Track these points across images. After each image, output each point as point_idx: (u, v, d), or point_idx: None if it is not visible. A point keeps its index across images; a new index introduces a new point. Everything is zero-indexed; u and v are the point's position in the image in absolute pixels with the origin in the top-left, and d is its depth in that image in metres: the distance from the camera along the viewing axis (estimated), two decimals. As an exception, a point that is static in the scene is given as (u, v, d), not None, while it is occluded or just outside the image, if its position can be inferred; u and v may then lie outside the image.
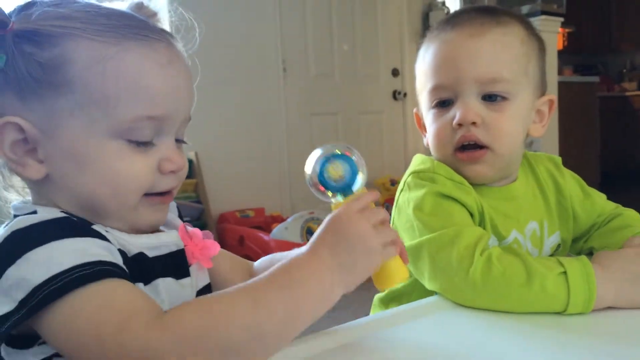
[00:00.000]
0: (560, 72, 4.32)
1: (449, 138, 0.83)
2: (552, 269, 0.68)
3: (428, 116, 0.87)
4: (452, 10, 4.48)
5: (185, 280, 0.63)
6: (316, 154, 0.60)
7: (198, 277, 0.65)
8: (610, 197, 0.96)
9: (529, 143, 3.83)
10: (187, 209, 3.08)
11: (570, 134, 4.10)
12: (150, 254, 0.59)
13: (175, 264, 0.62)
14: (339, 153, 0.59)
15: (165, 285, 0.59)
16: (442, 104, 0.84)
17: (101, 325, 0.47)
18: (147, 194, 0.59)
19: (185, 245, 0.64)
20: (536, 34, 0.88)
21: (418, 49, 0.90)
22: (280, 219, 3.30)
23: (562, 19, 3.86)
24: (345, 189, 0.60)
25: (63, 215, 0.54)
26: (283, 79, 3.71)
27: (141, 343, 0.46)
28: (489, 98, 0.81)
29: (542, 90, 0.88)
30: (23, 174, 0.58)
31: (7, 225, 0.53)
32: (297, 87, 3.76)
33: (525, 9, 3.78)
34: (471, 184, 0.84)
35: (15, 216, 0.57)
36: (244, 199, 3.43)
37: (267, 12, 3.63)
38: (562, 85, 3.89)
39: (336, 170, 0.58)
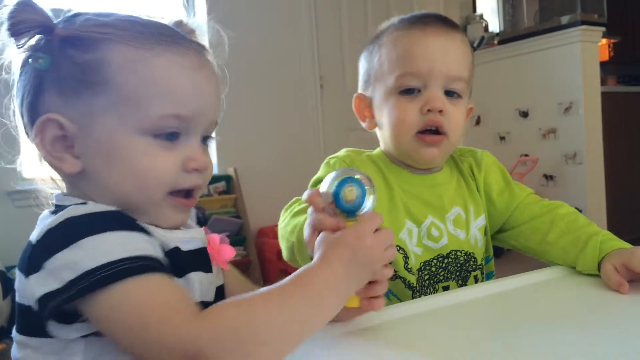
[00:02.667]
0: (603, 83, 4.20)
1: (414, 121, 0.92)
2: None
3: (389, 101, 0.94)
4: (490, 24, 4.46)
5: (210, 275, 0.66)
6: (335, 175, 0.63)
7: (218, 275, 0.69)
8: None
9: (573, 155, 3.75)
10: (227, 224, 3.14)
11: (615, 145, 3.97)
12: (184, 247, 0.63)
13: (203, 259, 0.66)
14: (356, 178, 0.62)
15: (197, 278, 0.63)
16: (409, 91, 0.92)
17: (146, 314, 0.51)
18: (172, 194, 0.62)
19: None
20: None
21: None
22: (318, 234, 3.29)
23: (603, 29, 3.78)
24: (353, 212, 0.62)
25: (112, 208, 0.58)
26: (320, 95, 3.75)
27: (182, 334, 0.49)
28: (449, 94, 0.92)
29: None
30: (61, 168, 0.62)
31: (55, 212, 0.56)
32: (334, 102, 3.79)
33: (564, 19, 3.71)
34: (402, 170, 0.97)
35: (57, 206, 0.62)
36: (283, 213, 3.46)
37: (304, 28, 3.69)
38: (605, 96, 3.79)
39: (350, 193, 0.61)
